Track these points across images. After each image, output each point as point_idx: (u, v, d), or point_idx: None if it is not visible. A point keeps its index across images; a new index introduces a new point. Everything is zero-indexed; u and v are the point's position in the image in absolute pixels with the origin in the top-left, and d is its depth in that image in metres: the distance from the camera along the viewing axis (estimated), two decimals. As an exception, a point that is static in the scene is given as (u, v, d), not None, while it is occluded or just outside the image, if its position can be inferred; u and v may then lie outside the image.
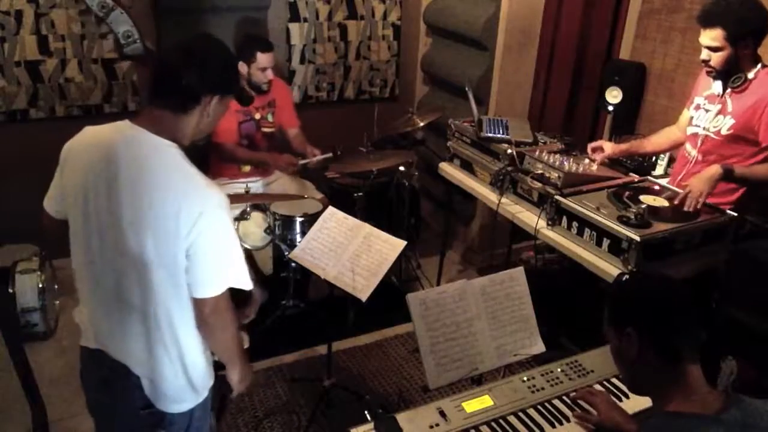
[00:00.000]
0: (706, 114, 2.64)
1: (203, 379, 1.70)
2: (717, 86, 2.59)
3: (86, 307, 1.69)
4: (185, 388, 1.66)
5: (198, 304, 1.59)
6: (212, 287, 1.57)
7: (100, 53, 3.55)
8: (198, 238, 1.51)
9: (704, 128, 2.64)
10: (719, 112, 2.58)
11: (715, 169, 2.40)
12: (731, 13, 2.37)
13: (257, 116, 3.54)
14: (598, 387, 1.91)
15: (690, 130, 2.74)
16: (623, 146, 2.93)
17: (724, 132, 2.55)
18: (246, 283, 1.62)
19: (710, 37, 2.43)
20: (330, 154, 3.54)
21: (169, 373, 1.62)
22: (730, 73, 2.50)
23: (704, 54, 2.49)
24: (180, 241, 1.51)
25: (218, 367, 2.24)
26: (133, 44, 2.02)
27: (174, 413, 1.67)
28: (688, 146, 2.77)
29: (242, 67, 3.36)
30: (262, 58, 3.34)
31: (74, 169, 1.59)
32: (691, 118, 2.74)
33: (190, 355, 1.64)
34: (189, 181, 1.53)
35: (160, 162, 1.53)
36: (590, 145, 2.93)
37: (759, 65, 2.49)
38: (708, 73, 2.56)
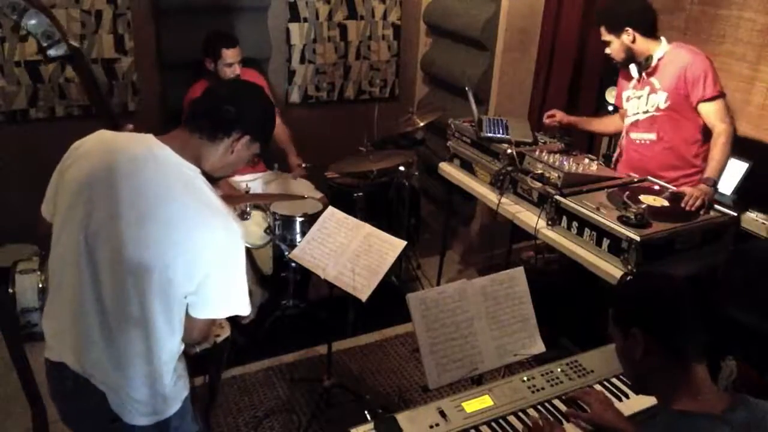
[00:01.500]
0: (638, 100, 2.86)
1: (177, 390, 1.67)
2: (634, 71, 2.82)
3: (59, 315, 1.63)
4: (156, 400, 1.62)
5: (192, 321, 1.61)
6: (214, 312, 1.61)
7: (100, 53, 3.55)
8: (214, 268, 1.54)
9: (644, 111, 2.84)
10: (650, 93, 2.80)
11: (706, 188, 2.55)
12: (604, 10, 2.80)
13: None
14: (598, 387, 1.91)
15: (629, 120, 2.94)
16: (573, 118, 3.23)
17: (662, 106, 2.77)
18: (245, 309, 1.64)
19: (601, 34, 2.79)
20: (303, 169, 3.66)
21: (139, 386, 1.59)
22: (635, 59, 2.77)
23: (606, 50, 2.82)
24: (194, 268, 1.52)
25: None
26: (56, 44, 1.86)
27: (146, 425, 1.63)
28: (633, 135, 2.93)
29: (209, 64, 3.38)
30: (227, 54, 3.33)
31: (79, 169, 1.56)
32: (626, 110, 2.94)
33: (165, 368, 1.61)
34: (216, 213, 1.55)
35: (184, 184, 1.54)
36: (546, 114, 3.22)
37: (663, 43, 2.75)
38: (616, 65, 2.89)
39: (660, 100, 2.76)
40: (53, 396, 1.73)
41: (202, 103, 1.63)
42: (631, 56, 2.76)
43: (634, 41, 2.72)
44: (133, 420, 1.61)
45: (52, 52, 1.86)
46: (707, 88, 2.64)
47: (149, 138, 1.59)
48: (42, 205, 1.69)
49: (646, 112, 2.83)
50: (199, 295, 1.56)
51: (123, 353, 1.57)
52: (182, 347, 1.66)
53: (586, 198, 2.57)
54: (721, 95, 2.66)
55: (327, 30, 4.13)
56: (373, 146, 3.60)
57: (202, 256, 1.52)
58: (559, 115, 3.19)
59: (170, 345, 1.60)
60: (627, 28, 2.69)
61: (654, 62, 2.74)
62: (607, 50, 2.81)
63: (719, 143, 2.61)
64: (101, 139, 1.61)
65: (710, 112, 2.66)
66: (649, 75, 2.78)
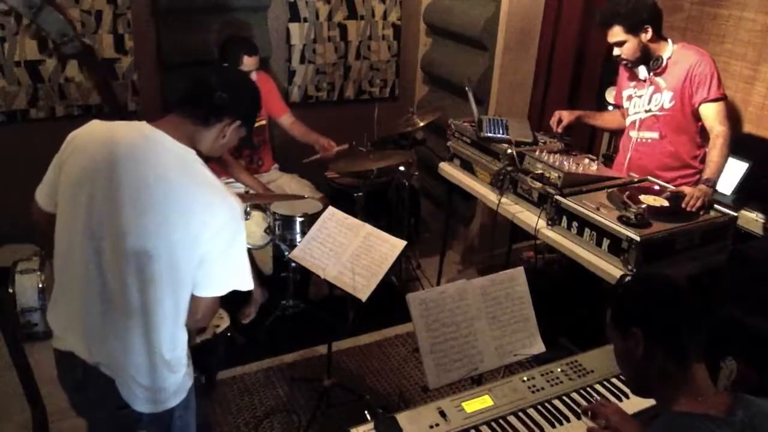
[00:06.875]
0: (640, 99, 2.87)
1: (182, 380, 1.69)
2: (642, 72, 2.81)
3: (65, 305, 1.66)
4: (162, 389, 1.64)
5: (196, 300, 1.63)
6: (218, 288, 1.64)
7: (100, 53, 3.55)
8: (216, 245, 1.57)
9: (646, 111, 2.84)
10: (654, 92, 2.80)
11: (706, 188, 2.54)
12: (622, 9, 2.69)
13: None
14: (598, 387, 1.91)
15: (630, 120, 2.94)
16: (577, 112, 3.15)
17: (667, 106, 2.77)
18: (248, 284, 1.67)
19: (612, 35, 2.73)
20: (346, 146, 3.58)
21: (147, 374, 1.61)
22: (647, 58, 2.76)
23: (615, 51, 2.77)
24: (197, 248, 1.54)
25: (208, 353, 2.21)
26: (69, 43, 1.88)
27: (152, 413, 1.66)
28: (633, 134, 2.93)
29: None
30: (249, 61, 3.33)
31: (78, 160, 1.58)
32: (627, 109, 2.94)
33: (172, 356, 1.63)
34: (214, 191, 1.58)
35: (182, 167, 1.57)
36: (551, 121, 3.13)
37: (670, 43, 2.76)
38: (626, 66, 2.86)
39: (665, 99, 2.77)
40: (64, 385, 1.76)
41: (194, 90, 1.67)
42: (645, 56, 2.75)
43: (653, 38, 2.70)
44: (140, 407, 1.64)
45: (65, 50, 1.87)
46: (711, 89, 2.66)
47: (143, 125, 1.61)
48: (37, 188, 1.70)
49: (648, 111, 2.83)
50: (202, 273, 1.59)
51: (127, 341, 1.59)
52: (186, 336, 1.67)
53: (586, 198, 2.57)
54: (723, 98, 2.68)
55: (327, 30, 4.13)
56: (373, 146, 3.60)
57: (203, 235, 1.54)
58: (564, 117, 3.09)
59: (172, 333, 1.62)
60: (647, 26, 2.68)
61: (664, 62, 2.74)
62: (617, 51, 2.76)
63: (718, 145, 2.62)
64: (96, 129, 1.63)
65: (711, 113, 2.67)
66: (657, 75, 2.78)
